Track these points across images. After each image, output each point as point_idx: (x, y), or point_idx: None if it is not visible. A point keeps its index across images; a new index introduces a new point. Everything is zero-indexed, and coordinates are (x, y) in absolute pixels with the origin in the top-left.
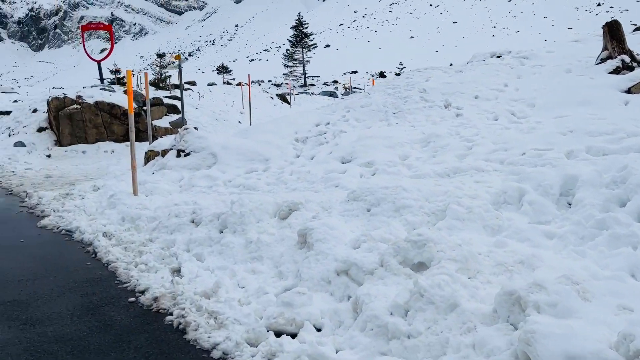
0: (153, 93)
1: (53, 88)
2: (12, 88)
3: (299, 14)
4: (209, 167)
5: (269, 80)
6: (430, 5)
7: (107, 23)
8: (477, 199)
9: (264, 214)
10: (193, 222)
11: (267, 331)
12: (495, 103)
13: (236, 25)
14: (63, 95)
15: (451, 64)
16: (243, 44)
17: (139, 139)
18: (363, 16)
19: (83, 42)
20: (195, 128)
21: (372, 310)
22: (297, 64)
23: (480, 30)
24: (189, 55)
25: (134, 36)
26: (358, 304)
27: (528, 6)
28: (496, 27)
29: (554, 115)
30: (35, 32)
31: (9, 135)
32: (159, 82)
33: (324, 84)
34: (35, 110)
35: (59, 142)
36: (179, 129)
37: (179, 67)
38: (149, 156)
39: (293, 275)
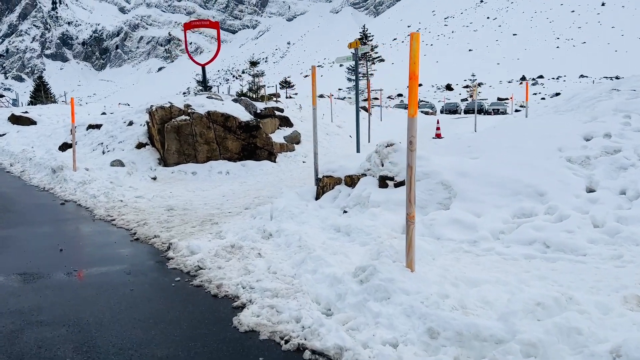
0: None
1: (119, 104)
2: (80, 104)
3: (364, 26)
4: (446, 206)
5: (331, 95)
6: (488, 17)
7: (213, 20)
8: None
9: None
10: None
11: None
12: None
13: (288, 43)
14: (169, 104)
15: (523, 76)
16: (295, 61)
17: (256, 157)
18: (417, 30)
19: (185, 41)
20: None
21: None
22: (361, 77)
23: (543, 42)
24: (242, 72)
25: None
26: None
27: (593, 16)
28: (560, 39)
29: None
30: (98, 52)
31: (103, 153)
32: (250, 93)
33: (389, 97)
34: (130, 123)
35: (164, 161)
36: (311, 141)
37: (356, 57)
38: (325, 184)
39: None
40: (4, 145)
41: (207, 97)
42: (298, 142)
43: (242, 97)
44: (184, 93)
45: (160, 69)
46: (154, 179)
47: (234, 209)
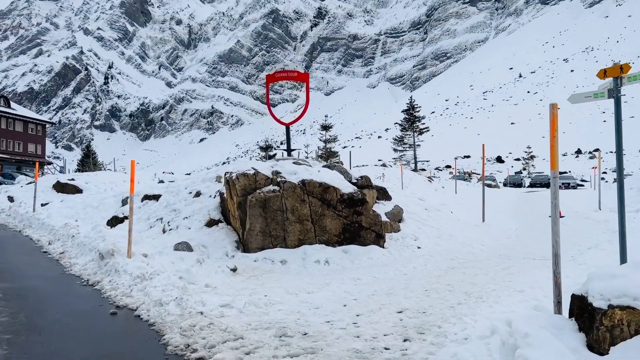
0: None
1: (163, 172)
2: (125, 172)
3: (411, 97)
4: None
5: (374, 165)
6: (528, 92)
7: (302, 71)
8: None
9: None
10: None
11: None
12: None
13: (325, 116)
14: (254, 171)
15: (579, 149)
16: (333, 133)
17: (360, 240)
18: (456, 104)
19: (267, 95)
20: None
21: None
22: (407, 148)
23: (588, 115)
24: (280, 144)
25: (231, 127)
26: None
27: (639, 91)
28: (606, 113)
29: None
30: (144, 123)
31: (164, 231)
32: (321, 160)
33: (436, 168)
34: (198, 194)
35: (243, 245)
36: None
37: (616, 91)
38: (617, 323)
39: None
40: (45, 217)
41: (293, 163)
42: (400, 220)
43: (335, 164)
44: (264, 156)
45: (201, 139)
46: (234, 270)
47: (418, 348)
